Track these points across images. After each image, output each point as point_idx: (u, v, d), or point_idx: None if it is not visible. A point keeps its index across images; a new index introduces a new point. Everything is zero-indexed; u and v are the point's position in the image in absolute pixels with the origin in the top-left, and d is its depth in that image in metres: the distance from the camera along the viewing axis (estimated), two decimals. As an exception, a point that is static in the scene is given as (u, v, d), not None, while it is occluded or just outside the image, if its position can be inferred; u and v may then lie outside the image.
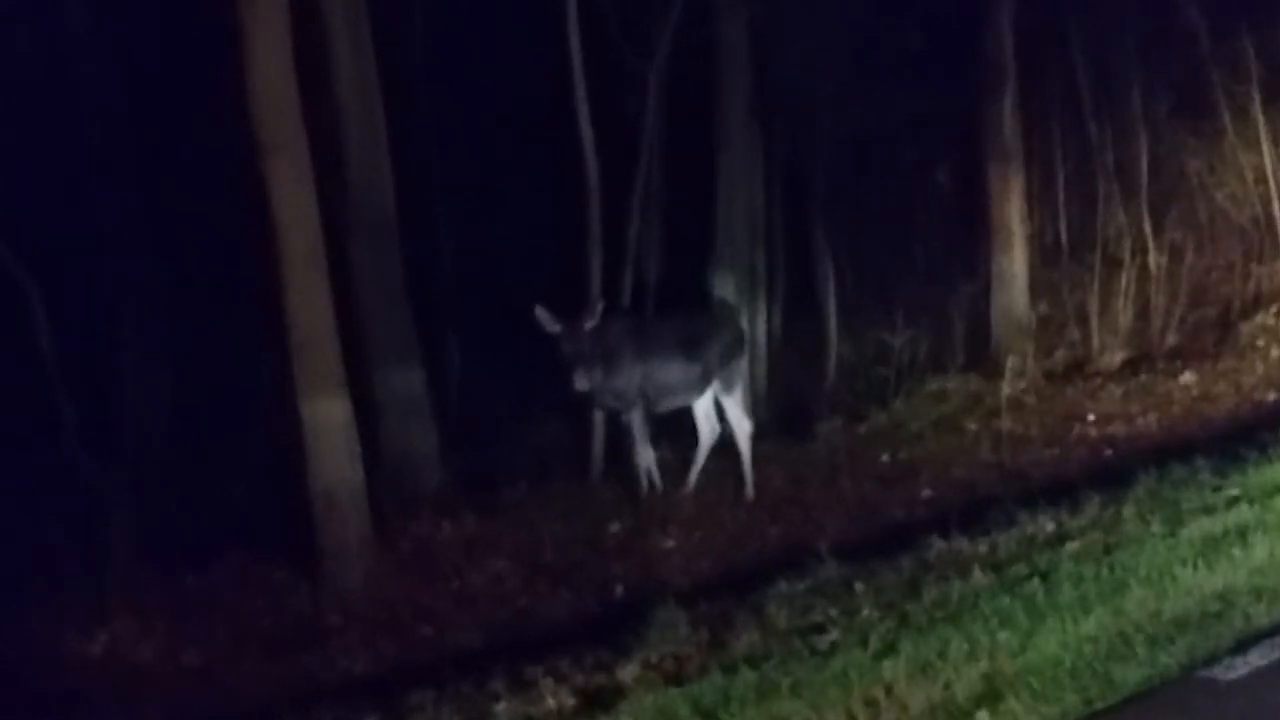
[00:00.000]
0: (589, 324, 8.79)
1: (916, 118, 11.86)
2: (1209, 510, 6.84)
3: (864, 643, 5.82)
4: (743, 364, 9.63)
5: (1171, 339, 11.53)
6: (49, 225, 9.95)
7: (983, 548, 6.95)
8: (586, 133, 9.47)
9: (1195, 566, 5.95)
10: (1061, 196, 12.95)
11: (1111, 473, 8.20)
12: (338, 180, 8.99)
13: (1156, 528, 6.69)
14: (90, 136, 10.53)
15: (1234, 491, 7.11)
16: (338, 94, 9.19)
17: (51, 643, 7.75)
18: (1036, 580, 6.16)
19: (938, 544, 7.11)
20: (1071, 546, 6.62)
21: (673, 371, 9.20)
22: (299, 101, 7.95)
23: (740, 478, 9.30)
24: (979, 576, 6.42)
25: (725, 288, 10.35)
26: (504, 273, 10.88)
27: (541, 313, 8.70)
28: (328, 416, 7.84)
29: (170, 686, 7.43)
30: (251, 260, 8.31)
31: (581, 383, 8.74)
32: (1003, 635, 5.52)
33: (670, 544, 8.53)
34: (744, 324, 10.16)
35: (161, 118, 10.37)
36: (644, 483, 9.19)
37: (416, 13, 11.00)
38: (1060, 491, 7.78)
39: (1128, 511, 7.05)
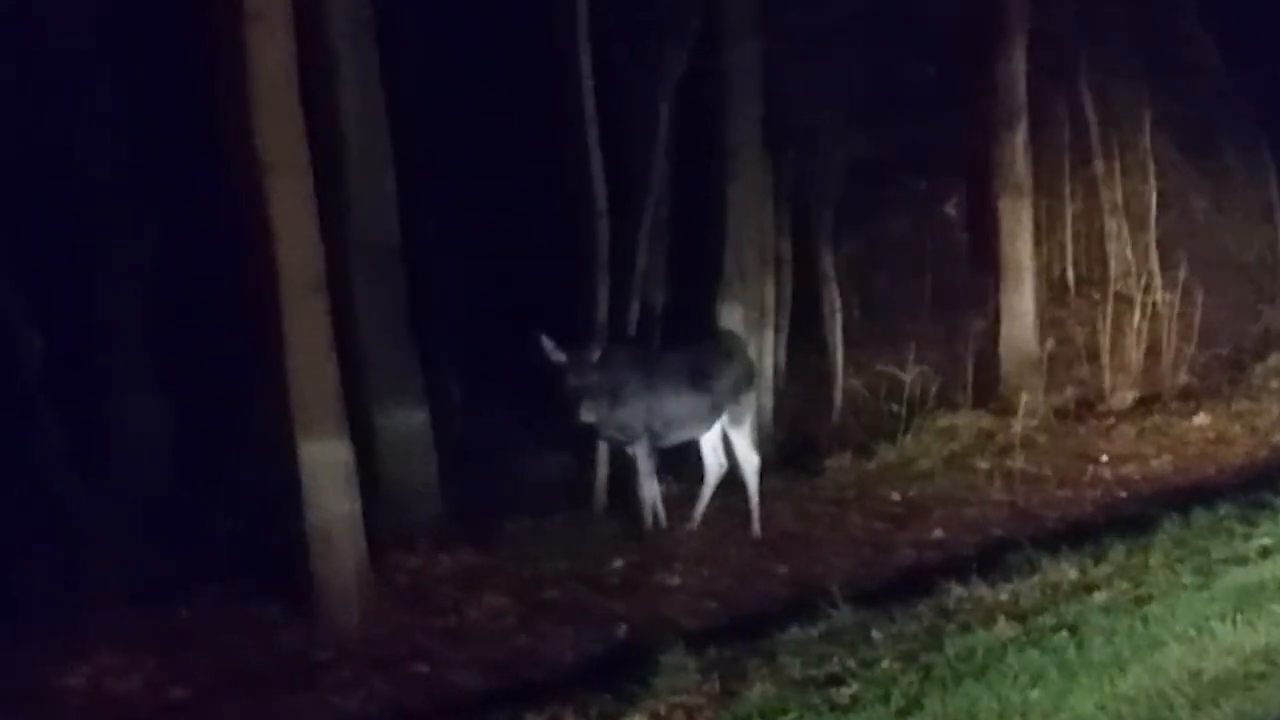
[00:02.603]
0: (595, 354, 8.57)
1: (928, 150, 11.73)
2: (1241, 561, 6.62)
3: (886, 698, 5.57)
4: (751, 397, 9.40)
5: (1183, 379, 11.39)
6: (41, 246, 9.72)
7: (1004, 595, 6.71)
8: (595, 159, 9.27)
9: (1234, 622, 5.72)
10: (1069, 232, 12.82)
11: (1131, 517, 8.01)
12: (340, 204, 8.77)
13: (1188, 579, 6.46)
14: (88, 156, 10.27)
15: (1265, 541, 6.90)
16: (342, 115, 8.96)
17: (31, 676, 7.47)
18: (1065, 633, 5.93)
19: (956, 590, 6.86)
20: (1099, 597, 6.38)
21: (680, 404, 8.96)
22: (303, 121, 7.70)
23: (747, 514, 9.07)
24: (1003, 627, 6.18)
25: (733, 319, 10.13)
26: (508, 300, 10.65)
27: (546, 341, 8.48)
28: (325, 452, 7.56)
29: (156, 723, 7.20)
30: (251, 285, 8.05)
31: (587, 414, 8.52)
32: (1034, 694, 5.29)
33: (675, 582, 8.28)
34: (752, 356, 9.95)
35: (162, 138, 10.13)
36: (648, 518, 8.94)
37: (424, 35, 10.79)
38: (1080, 536, 7.59)
39: (1155, 560, 6.83)
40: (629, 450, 8.93)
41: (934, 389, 10.83)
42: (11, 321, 9.09)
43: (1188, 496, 8.19)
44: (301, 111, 7.69)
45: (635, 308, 9.68)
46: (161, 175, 10.11)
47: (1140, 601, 6.24)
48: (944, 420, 10.57)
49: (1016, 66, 11.49)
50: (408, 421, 9.13)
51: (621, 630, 7.66)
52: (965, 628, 6.31)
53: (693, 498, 9.17)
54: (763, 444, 9.61)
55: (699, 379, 9.02)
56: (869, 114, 11.21)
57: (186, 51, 9.25)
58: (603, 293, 9.34)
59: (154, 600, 8.06)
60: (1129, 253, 12.44)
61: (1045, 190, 12.43)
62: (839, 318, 11.30)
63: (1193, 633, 5.70)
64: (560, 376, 8.51)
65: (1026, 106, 11.61)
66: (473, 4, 10.81)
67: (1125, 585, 6.53)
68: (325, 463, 7.60)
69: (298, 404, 7.56)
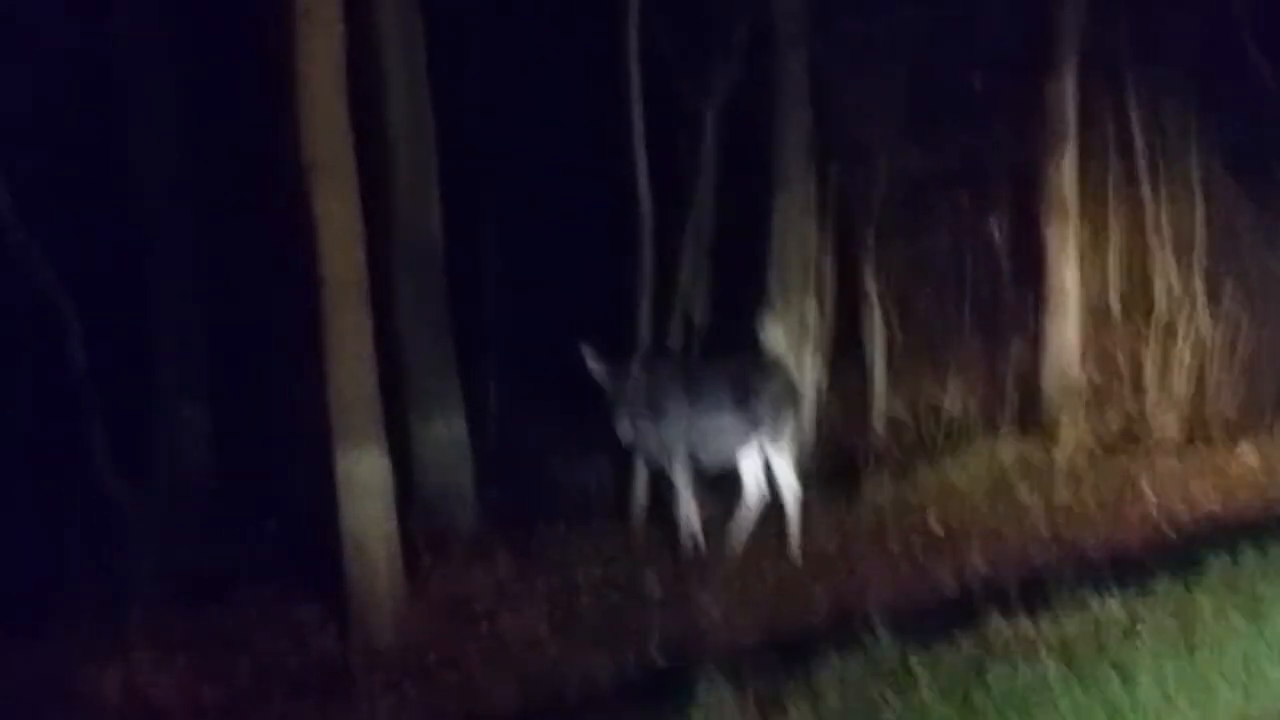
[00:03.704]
0: (636, 367, 8.51)
1: (975, 170, 11.62)
2: (1293, 603, 6.48)
3: (927, 732, 5.49)
4: (791, 416, 9.29)
5: (1228, 409, 11.21)
6: (91, 251, 9.75)
7: (1048, 629, 6.56)
8: (642, 171, 9.21)
9: (1286, 667, 5.61)
10: (1113, 258, 12.66)
11: (1177, 552, 7.87)
12: (385, 207, 8.75)
13: (1237, 620, 6.31)
14: (134, 159, 10.29)
15: (1316, 582, 6.76)
16: (389, 121, 8.99)
17: (68, 673, 7.49)
18: (1112, 671, 5.80)
19: (998, 622, 6.73)
20: (1146, 634, 6.25)
21: (720, 420, 8.89)
22: (349, 122, 7.67)
23: (785, 534, 8.97)
24: (1048, 663, 6.05)
25: (774, 336, 10.03)
26: (550, 309, 10.60)
27: (588, 351, 8.43)
28: (362, 460, 7.54)
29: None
30: (295, 291, 8.04)
31: (624, 428, 8.49)
32: (1081, 734, 5.19)
33: (712, 602, 8.19)
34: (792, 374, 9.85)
35: (208, 141, 10.15)
36: (686, 536, 8.88)
37: (473, 43, 10.78)
38: (1125, 570, 7.43)
39: (1202, 599, 6.68)
40: (668, 469, 8.87)
41: (975, 412, 10.70)
42: (60, 325, 9.13)
43: (1235, 533, 8.01)
44: (348, 112, 7.66)
45: (677, 320, 9.63)
46: (211, 183, 10.14)
47: (1188, 640, 6.11)
48: (985, 445, 10.42)
49: (1066, 86, 11.35)
50: (446, 429, 9.11)
51: (657, 648, 7.58)
52: (1007, 661, 6.18)
53: (730, 516, 9.07)
54: (801, 463, 9.51)
55: (740, 396, 8.95)
56: (918, 130, 11.12)
57: (238, 57, 9.25)
58: (645, 304, 9.29)
59: (192, 601, 8.08)
60: (1174, 279, 12.27)
61: (1090, 214, 12.28)
62: (880, 338, 11.19)
63: (1244, 676, 5.58)
64: (601, 387, 8.46)
65: (1075, 127, 11.46)
66: (523, 15, 10.78)
67: (1172, 623, 6.39)
68: (362, 471, 7.58)
69: (337, 411, 7.55)
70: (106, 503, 8.83)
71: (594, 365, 8.46)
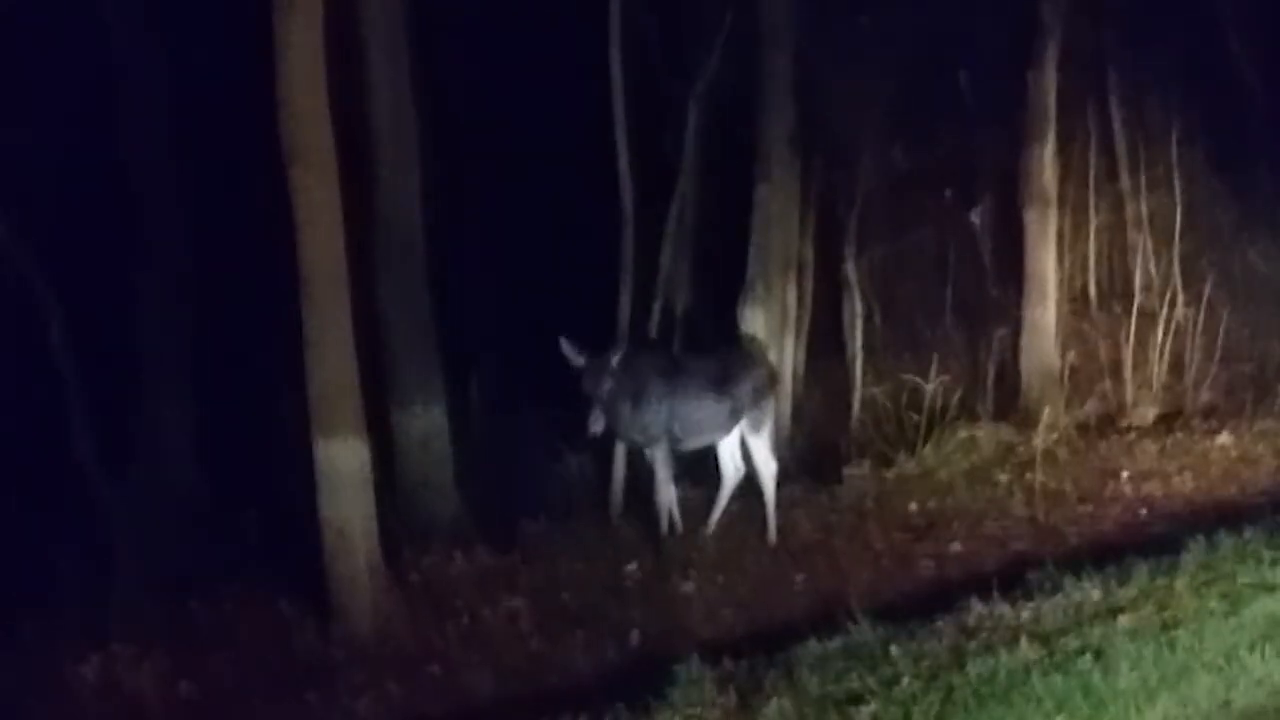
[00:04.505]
0: (614, 359, 8.50)
1: (956, 160, 11.64)
2: (1270, 588, 6.49)
3: (907, 718, 5.49)
4: (771, 403, 9.30)
5: (1205, 396, 11.24)
6: (79, 248, 9.74)
7: (1027, 614, 6.60)
8: (624, 161, 9.19)
9: (1263, 652, 5.62)
10: (1092, 246, 12.71)
11: (1155, 537, 7.91)
12: (367, 199, 8.73)
13: (1215, 604, 6.35)
14: (119, 156, 10.26)
15: (1293, 568, 6.78)
16: (371, 111, 8.94)
17: (47, 662, 7.48)
18: (1090, 657, 5.83)
19: (978, 607, 6.76)
20: (1125, 621, 6.28)
21: (700, 409, 8.87)
22: (329, 113, 7.64)
23: (764, 521, 8.99)
24: (1027, 649, 6.08)
25: (755, 323, 10.04)
26: (532, 299, 10.59)
27: (567, 344, 8.41)
28: (341, 450, 7.53)
29: (165, 716, 7.16)
30: (277, 285, 8.01)
31: (597, 420, 8.44)
32: (1060, 720, 5.21)
33: (691, 589, 8.21)
34: (772, 361, 9.86)
35: (194, 136, 10.13)
36: (665, 522, 8.87)
37: (456, 33, 10.75)
38: (1103, 555, 7.47)
39: (1180, 584, 6.71)
40: (647, 454, 8.86)
41: (955, 399, 10.71)
42: (44, 321, 9.13)
43: (1212, 518, 8.06)
44: (328, 103, 7.63)
45: (658, 310, 9.63)
46: (199, 179, 10.13)
47: (1167, 627, 6.14)
48: (964, 431, 10.41)
49: (1047, 77, 11.35)
50: (427, 421, 9.09)
51: (636, 637, 7.60)
52: (987, 648, 6.21)
53: (710, 503, 9.10)
54: (781, 451, 9.53)
55: (720, 384, 8.94)
56: (900, 122, 11.13)
57: (225, 52, 9.24)
58: (626, 295, 9.28)
59: (172, 593, 8.06)
60: (1153, 267, 12.31)
61: (1070, 203, 12.31)
62: (860, 325, 11.20)
63: (1221, 662, 5.60)
64: (578, 380, 8.45)
65: (1056, 118, 11.48)
66: (508, 5, 10.76)
67: (1151, 609, 6.42)
68: (341, 461, 7.56)
69: (316, 401, 7.53)
70: (89, 495, 8.82)
71: (572, 357, 8.43)
